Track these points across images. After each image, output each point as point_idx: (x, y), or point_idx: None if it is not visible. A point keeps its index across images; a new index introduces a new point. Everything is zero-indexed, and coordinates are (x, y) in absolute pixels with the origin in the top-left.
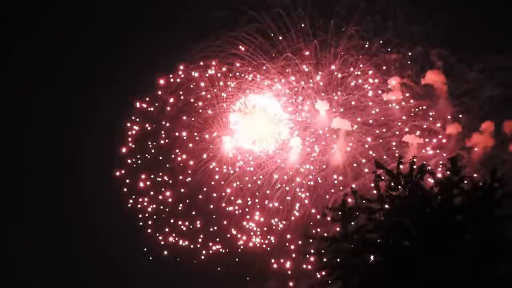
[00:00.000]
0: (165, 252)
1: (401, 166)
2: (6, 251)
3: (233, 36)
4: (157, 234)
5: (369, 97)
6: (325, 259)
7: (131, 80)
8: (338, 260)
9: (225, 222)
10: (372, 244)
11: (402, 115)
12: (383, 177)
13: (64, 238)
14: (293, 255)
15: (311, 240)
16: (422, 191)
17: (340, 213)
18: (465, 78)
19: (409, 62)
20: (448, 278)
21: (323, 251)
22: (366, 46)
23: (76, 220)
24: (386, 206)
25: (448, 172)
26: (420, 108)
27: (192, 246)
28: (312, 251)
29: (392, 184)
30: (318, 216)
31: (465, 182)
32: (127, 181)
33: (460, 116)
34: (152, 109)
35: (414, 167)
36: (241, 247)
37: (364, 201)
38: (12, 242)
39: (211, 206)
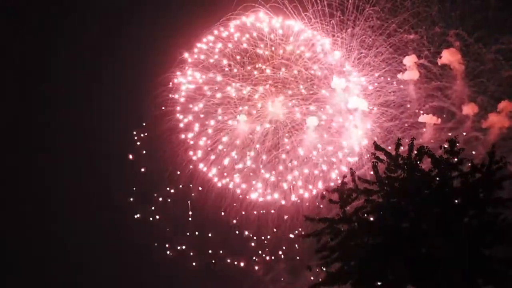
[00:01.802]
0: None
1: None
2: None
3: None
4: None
5: (385, 78)
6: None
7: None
8: (337, 241)
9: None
10: (370, 225)
11: (419, 96)
12: (382, 159)
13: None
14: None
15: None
16: (420, 173)
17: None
18: (482, 58)
19: (426, 43)
20: (446, 260)
21: (322, 232)
22: (384, 26)
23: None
24: (385, 188)
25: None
26: (437, 88)
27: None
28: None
29: (391, 166)
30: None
31: (463, 163)
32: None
33: (477, 96)
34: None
35: (413, 149)
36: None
37: (363, 183)
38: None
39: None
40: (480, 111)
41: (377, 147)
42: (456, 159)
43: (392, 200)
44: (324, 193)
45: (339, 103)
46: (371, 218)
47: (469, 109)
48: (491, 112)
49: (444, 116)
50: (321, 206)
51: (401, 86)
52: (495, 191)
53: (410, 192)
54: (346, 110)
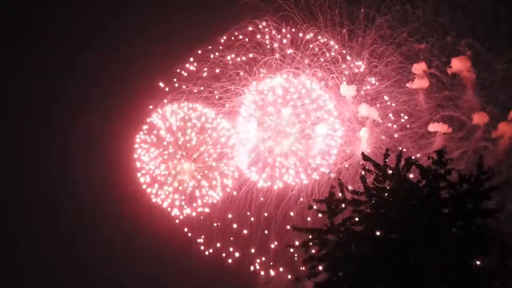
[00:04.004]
0: None
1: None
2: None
3: (261, 25)
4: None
5: (396, 87)
6: (312, 251)
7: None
8: (325, 252)
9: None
10: (358, 236)
11: (429, 106)
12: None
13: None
14: None
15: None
16: (408, 183)
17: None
18: (493, 68)
19: (437, 52)
20: (434, 270)
21: (310, 243)
22: (395, 35)
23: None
24: (373, 198)
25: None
26: (447, 98)
27: None
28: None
29: (379, 176)
30: None
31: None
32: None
33: (487, 106)
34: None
35: (401, 159)
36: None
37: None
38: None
39: None
40: (491, 121)
41: (365, 157)
42: (443, 170)
43: (380, 210)
44: (311, 203)
45: (349, 111)
46: (359, 229)
47: (479, 119)
48: (501, 121)
49: (455, 125)
50: None
51: (411, 97)
52: (483, 202)
53: (398, 202)
54: (355, 118)
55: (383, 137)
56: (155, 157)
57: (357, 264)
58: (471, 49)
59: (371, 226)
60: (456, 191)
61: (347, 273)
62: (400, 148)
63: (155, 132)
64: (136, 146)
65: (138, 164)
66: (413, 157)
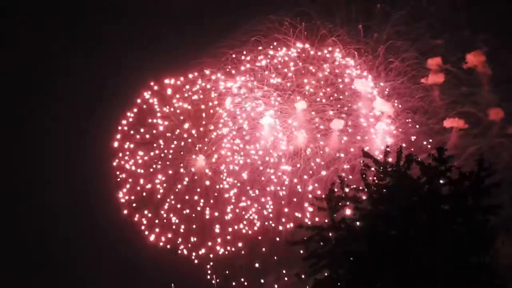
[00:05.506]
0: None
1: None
2: None
3: (276, 21)
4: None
5: (411, 83)
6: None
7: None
8: (325, 248)
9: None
10: (358, 233)
11: (445, 102)
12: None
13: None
14: None
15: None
16: (409, 180)
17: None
18: (509, 64)
19: (452, 47)
20: (434, 267)
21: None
22: (410, 31)
23: None
24: (373, 195)
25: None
26: (463, 94)
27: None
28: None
29: (380, 173)
30: None
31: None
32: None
33: (503, 102)
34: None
35: (402, 156)
36: None
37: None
38: None
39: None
40: (507, 117)
41: (365, 154)
42: (444, 167)
43: (381, 207)
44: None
45: (364, 107)
46: (360, 226)
47: (495, 115)
48: None
49: (471, 121)
50: None
51: (427, 93)
52: (483, 199)
53: (398, 199)
54: (370, 114)
55: (397, 134)
56: (146, 162)
57: (357, 261)
58: (487, 44)
59: (371, 223)
60: (456, 188)
61: (347, 270)
62: (402, 145)
63: (151, 121)
64: (115, 145)
65: (119, 176)
66: (414, 154)
